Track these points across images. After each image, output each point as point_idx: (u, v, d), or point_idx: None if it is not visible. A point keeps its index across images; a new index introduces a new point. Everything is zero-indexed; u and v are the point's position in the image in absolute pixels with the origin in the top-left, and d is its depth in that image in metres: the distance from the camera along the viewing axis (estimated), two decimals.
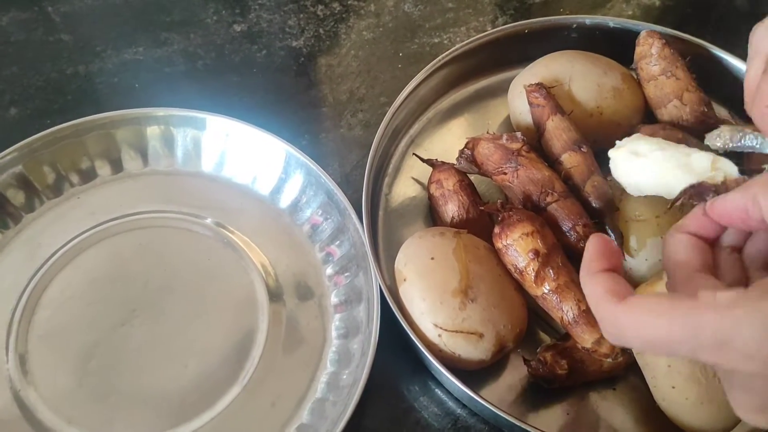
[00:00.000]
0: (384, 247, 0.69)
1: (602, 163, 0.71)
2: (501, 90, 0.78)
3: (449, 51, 0.76)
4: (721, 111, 0.75)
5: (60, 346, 0.63)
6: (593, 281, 0.42)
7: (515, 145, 0.64)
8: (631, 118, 0.71)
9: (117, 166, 0.73)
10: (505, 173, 0.64)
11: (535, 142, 0.68)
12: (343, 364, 0.62)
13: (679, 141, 0.65)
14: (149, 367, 0.62)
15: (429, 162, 0.70)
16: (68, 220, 0.69)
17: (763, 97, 0.44)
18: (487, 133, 0.67)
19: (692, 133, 0.67)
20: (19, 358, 0.62)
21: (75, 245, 0.68)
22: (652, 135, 0.67)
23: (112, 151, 0.72)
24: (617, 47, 0.75)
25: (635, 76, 0.73)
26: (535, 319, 0.64)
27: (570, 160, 0.65)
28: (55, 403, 0.60)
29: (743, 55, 0.55)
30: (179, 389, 0.61)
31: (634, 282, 0.61)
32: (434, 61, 0.75)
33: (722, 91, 0.75)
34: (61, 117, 0.72)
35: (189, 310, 0.65)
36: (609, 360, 0.59)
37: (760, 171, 0.63)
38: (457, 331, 0.57)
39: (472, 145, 0.67)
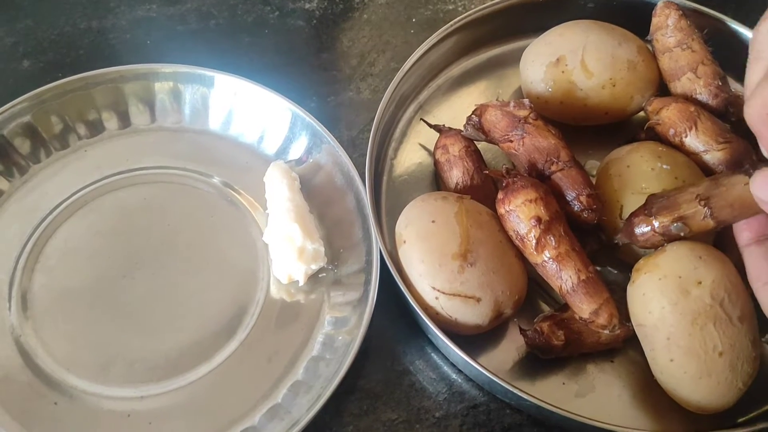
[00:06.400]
0: (387, 210, 0.69)
1: (612, 136, 0.71)
2: (513, 59, 0.77)
3: (461, 17, 0.75)
4: (737, 87, 0.74)
5: (62, 295, 0.63)
6: None
7: (522, 113, 0.63)
8: (644, 90, 0.70)
9: (125, 120, 0.73)
10: (511, 141, 0.64)
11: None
12: (339, 325, 0.62)
13: (691, 114, 0.64)
14: (149, 320, 0.62)
15: (436, 127, 0.70)
16: (74, 171, 0.70)
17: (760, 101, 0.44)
18: (497, 100, 0.66)
19: (705, 107, 0.66)
20: (21, 305, 0.63)
21: (80, 197, 0.68)
22: (664, 107, 0.66)
23: (120, 105, 0.73)
24: (635, 18, 0.73)
25: (651, 49, 0.72)
26: (535, 288, 0.64)
27: None
28: (55, 350, 0.61)
29: None
30: (178, 342, 0.61)
31: (638, 255, 0.61)
32: (445, 26, 0.74)
33: (740, 67, 0.73)
34: (73, 70, 0.72)
35: (190, 266, 0.65)
36: (606, 332, 0.58)
37: None
38: (454, 295, 0.57)
39: (479, 111, 0.66)
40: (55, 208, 0.68)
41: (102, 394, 0.59)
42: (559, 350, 0.59)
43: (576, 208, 0.60)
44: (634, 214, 0.59)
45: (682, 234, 0.56)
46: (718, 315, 0.54)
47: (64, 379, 0.59)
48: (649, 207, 0.57)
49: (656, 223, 0.57)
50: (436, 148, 0.69)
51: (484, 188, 0.65)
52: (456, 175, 0.66)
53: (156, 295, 0.64)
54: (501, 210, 0.59)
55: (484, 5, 0.76)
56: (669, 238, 0.57)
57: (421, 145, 0.73)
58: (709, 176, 0.63)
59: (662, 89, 0.71)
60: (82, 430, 0.57)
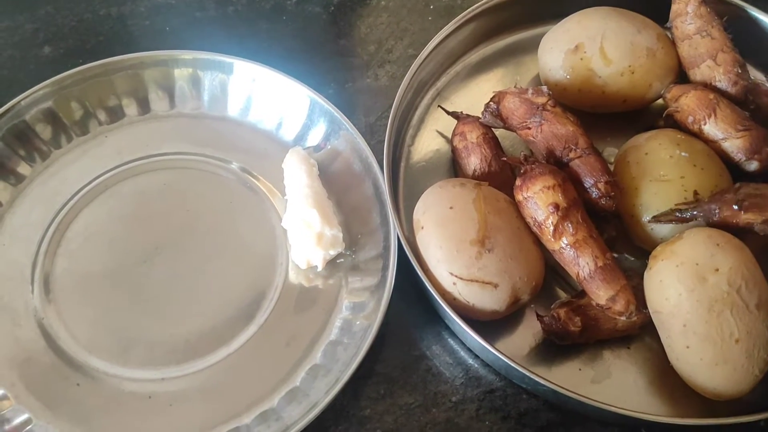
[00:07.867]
0: (404, 197, 0.69)
1: (631, 123, 0.71)
2: (532, 46, 0.76)
3: (480, 3, 0.75)
4: (756, 74, 0.73)
5: (83, 279, 0.64)
6: None
7: (541, 100, 0.63)
8: (663, 78, 0.69)
9: (144, 106, 0.73)
10: (529, 128, 0.64)
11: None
12: (357, 310, 0.63)
13: (710, 102, 0.64)
14: (168, 303, 0.63)
15: (454, 114, 0.70)
16: (95, 157, 0.71)
17: None
18: (515, 87, 0.66)
19: (724, 94, 0.66)
20: (44, 288, 0.64)
21: (101, 182, 0.69)
22: (683, 95, 0.66)
23: (139, 92, 0.73)
24: (654, 5, 0.73)
25: (670, 36, 0.71)
26: (552, 275, 0.64)
27: None
28: (77, 332, 0.62)
29: None
30: (197, 325, 0.62)
31: (655, 242, 0.61)
32: (463, 13, 0.74)
33: (760, 55, 0.73)
34: (93, 57, 0.73)
35: (210, 251, 0.66)
36: (623, 318, 0.58)
37: None
38: (472, 280, 0.57)
39: (498, 98, 0.66)
40: (76, 193, 0.68)
41: (123, 376, 0.60)
42: (576, 336, 0.59)
43: (594, 195, 0.60)
44: (720, 198, 0.59)
45: (761, 234, 0.57)
46: (735, 302, 0.54)
47: (87, 361, 0.60)
48: (740, 199, 0.58)
49: (743, 217, 0.57)
50: (453, 134, 0.69)
51: (502, 175, 0.65)
52: (474, 161, 0.66)
53: (175, 279, 0.64)
54: (519, 196, 0.60)
55: None
56: (746, 231, 0.58)
57: (438, 132, 0.74)
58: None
59: (681, 77, 0.71)
60: (104, 411, 0.59)
